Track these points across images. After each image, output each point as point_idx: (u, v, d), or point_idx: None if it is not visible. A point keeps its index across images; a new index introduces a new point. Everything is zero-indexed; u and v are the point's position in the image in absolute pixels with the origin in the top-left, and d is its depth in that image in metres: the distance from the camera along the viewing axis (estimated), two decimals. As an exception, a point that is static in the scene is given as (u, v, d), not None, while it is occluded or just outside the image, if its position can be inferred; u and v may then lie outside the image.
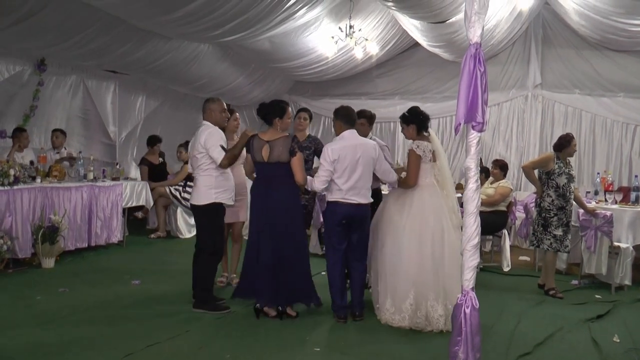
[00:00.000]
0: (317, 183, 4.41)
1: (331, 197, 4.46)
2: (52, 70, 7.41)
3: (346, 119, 4.53)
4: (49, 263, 5.80)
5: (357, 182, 4.40)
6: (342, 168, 4.37)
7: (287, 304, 4.46)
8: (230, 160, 4.47)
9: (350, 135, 4.50)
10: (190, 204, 4.70)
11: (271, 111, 4.44)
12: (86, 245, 6.46)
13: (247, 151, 4.53)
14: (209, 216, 4.55)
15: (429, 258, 4.33)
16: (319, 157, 4.76)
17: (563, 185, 5.53)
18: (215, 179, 4.52)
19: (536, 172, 5.73)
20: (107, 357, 3.49)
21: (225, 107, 4.85)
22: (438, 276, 4.31)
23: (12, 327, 3.96)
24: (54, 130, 7.39)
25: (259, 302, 4.43)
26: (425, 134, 4.70)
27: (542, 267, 6.01)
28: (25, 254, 5.65)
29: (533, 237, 5.78)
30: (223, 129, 4.81)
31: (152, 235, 7.90)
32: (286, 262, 4.37)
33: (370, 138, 5.04)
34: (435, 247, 4.35)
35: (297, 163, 4.30)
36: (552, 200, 5.53)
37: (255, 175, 4.65)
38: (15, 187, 5.54)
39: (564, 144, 5.70)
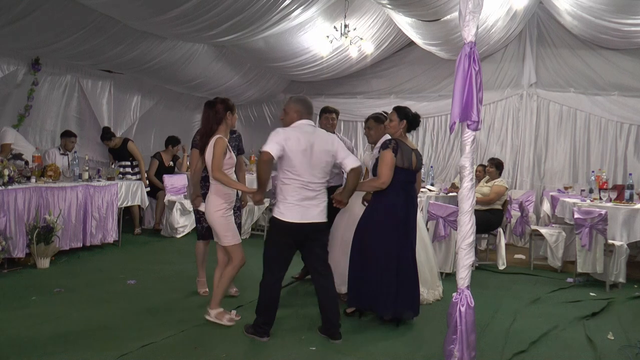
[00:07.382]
0: None
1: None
2: (46, 70, 7.37)
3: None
4: (44, 263, 5.79)
5: None
6: None
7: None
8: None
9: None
10: (323, 223, 3.96)
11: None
12: (81, 245, 6.44)
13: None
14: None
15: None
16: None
17: None
18: None
19: None
20: (102, 357, 3.49)
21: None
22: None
23: (8, 328, 3.95)
24: (68, 136, 7.43)
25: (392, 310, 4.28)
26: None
27: None
28: (20, 254, 5.63)
29: None
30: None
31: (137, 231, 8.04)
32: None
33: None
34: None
35: (420, 173, 4.61)
36: None
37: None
38: (9, 187, 5.52)
39: None
